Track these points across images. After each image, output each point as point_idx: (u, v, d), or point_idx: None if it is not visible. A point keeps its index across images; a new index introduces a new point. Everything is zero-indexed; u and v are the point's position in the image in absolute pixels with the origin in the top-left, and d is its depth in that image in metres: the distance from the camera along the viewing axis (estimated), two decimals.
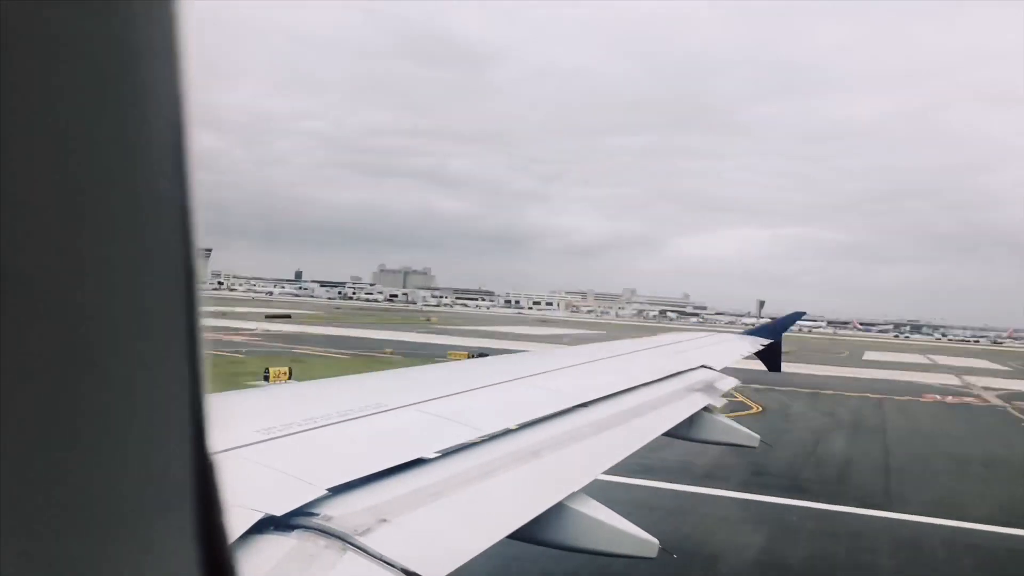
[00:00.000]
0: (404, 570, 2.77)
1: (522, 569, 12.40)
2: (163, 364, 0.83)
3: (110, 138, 0.75)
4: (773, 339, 19.39)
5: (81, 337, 0.73)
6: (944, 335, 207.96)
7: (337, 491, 3.15)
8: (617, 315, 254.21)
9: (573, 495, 4.21)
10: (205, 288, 0.89)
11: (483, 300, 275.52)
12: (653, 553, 4.42)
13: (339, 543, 2.80)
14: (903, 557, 14.66)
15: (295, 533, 2.79)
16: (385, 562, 2.78)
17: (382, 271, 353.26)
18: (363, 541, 2.85)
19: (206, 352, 0.88)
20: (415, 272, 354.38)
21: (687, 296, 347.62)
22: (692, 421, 8.01)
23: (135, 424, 0.80)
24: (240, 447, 3.37)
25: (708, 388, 9.55)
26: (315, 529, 2.84)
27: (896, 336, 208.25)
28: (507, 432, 4.70)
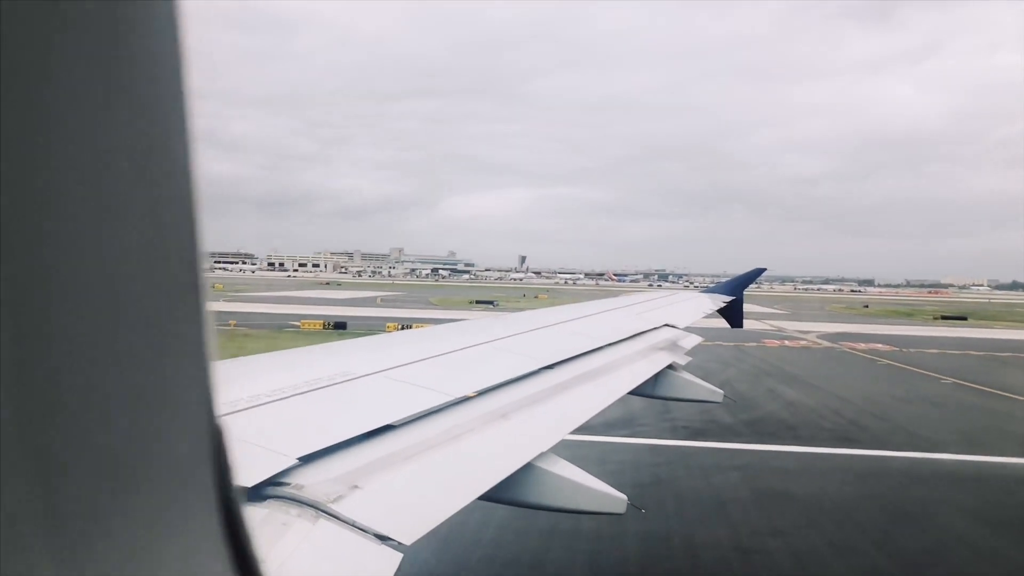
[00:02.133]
0: (377, 534, 2.80)
1: (503, 529, 12.57)
2: (180, 343, 0.90)
3: (116, 135, 0.78)
4: (734, 296, 19.62)
5: (104, 322, 0.78)
6: (690, 283, 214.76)
7: (307, 460, 3.15)
8: (389, 274, 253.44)
9: (542, 455, 4.25)
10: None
11: (244, 263, 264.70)
12: (622, 509, 4.50)
13: (311, 511, 2.81)
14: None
15: (267, 503, 2.79)
16: (358, 527, 2.80)
17: None
18: (335, 508, 2.86)
19: (212, 331, 0.96)
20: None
21: (453, 253, 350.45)
22: (657, 379, 8.11)
23: (157, 400, 0.87)
24: None
25: (672, 346, 9.67)
26: (287, 498, 2.85)
27: (650, 285, 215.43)
28: (475, 395, 4.72)
